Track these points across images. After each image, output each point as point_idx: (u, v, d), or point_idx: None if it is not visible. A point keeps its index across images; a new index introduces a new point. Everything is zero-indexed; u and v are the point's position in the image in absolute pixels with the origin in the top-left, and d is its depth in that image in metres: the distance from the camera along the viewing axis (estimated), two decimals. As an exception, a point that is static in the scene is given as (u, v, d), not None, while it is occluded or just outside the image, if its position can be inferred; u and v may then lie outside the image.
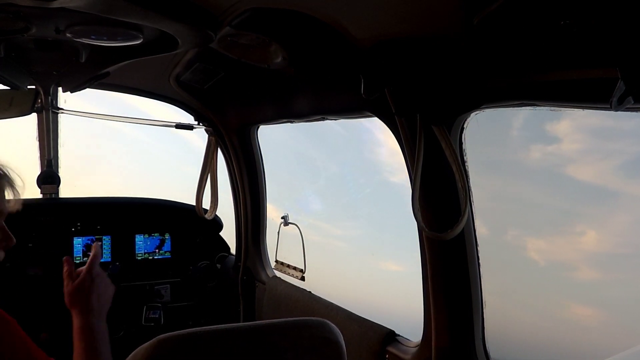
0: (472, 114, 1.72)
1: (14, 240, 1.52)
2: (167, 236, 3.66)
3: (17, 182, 1.51)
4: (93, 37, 1.88)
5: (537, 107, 1.50)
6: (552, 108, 1.48)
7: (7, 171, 1.48)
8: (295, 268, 3.02)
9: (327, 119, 2.46)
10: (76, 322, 1.52)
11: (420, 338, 2.04)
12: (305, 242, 2.82)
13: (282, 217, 3.06)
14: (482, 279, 1.87)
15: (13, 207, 1.53)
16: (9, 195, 1.49)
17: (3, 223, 1.50)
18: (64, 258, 1.63)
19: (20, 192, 1.52)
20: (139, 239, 3.59)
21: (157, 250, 3.64)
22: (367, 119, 2.16)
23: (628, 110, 1.23)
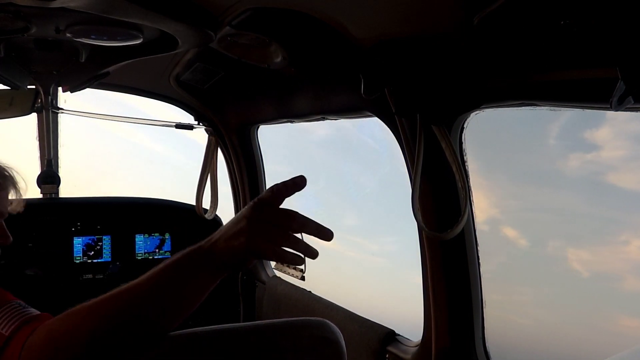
0: (472, 114, 1.72)
1: (11, 239, 1.47)
2: (167, 236, 3.66)
3: (21, 184, 1.51)
4: (93, 37, 1.88)
5: (537, 107, 1.50)
6: (552, 108, 1.48)
7: (12, 173, 1.50)
8: (295, 268, 3.02)
9: (327, 118, 2.46)
10: None
11: (421, 338, 2.04)
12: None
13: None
14: (482, 279, 1.86)
15: (14, 208, 1.53)
16: (11, 196, 1.50)
17: (2, 222, 1.49)
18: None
19: (22, 193, 1.52)
20: (139, 238, 3.59)
21: (157, 250, 3.63)
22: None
23: (628, 110, 1.23)
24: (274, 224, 1.03)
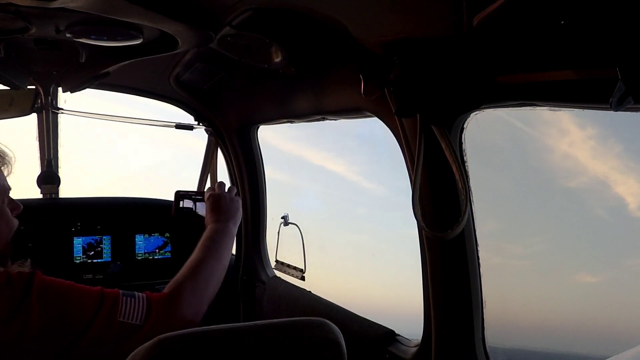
0: (472, 114, 1.72)
1: (22, 207, 1.61)
2: (167, 236, 3.66)
3: (9, 155, 1.57)
4: (93, 37, 1.88)
5: (538, 107, 1.50)
6: (552, 108, 1.48)
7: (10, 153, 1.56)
8: (295, 268, 3.02)
9: (327, 118, 2.46)
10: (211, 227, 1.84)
11: (421, 338, 2.04)
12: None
13: (282, 217, 3.06)
14: (482, 279, 1.86)
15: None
16: (6, 171, 1.56)
17: (9, 196, 1.56)
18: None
19: (12, 164, 1.58)
20: (139, 239, 3.59)
21: (157, 250, 3.63)
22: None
23: (628, 110, 1.23)
24: None
